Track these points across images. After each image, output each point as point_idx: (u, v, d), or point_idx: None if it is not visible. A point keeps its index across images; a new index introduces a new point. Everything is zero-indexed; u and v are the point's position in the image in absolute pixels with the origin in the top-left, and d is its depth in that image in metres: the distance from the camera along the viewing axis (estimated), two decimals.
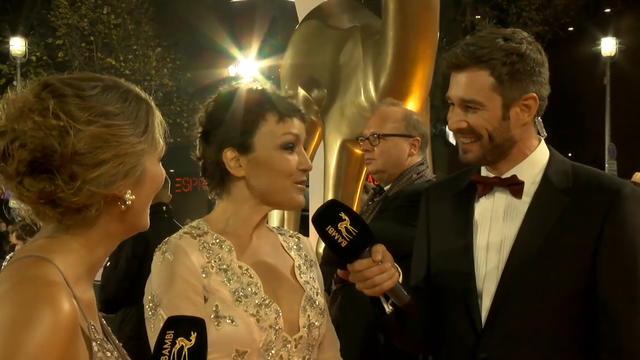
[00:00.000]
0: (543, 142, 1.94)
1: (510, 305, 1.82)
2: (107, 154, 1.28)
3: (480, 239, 1.89)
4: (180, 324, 1.30)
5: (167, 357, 1.26)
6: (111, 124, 1.29)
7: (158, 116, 1.42)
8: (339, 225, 1.68)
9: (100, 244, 1.35)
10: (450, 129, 1.93)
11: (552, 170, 1.88)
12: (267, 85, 1.93)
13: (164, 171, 1.42)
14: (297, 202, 1.89)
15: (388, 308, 1.79)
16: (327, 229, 1.68)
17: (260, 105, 1.84)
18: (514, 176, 1.88)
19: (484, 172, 1.95)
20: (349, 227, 1.68)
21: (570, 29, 23.54)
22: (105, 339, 1.32)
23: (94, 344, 1.26)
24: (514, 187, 1.88)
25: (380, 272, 1.71)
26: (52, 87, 1.29)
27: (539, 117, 1.91)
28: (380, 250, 1.73)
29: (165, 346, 1.27)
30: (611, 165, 21.40)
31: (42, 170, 1.25)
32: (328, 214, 1.70)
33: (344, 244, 1.68)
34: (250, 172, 1.83)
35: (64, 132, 1.25)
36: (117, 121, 1.30)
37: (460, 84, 1.86)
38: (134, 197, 1.33)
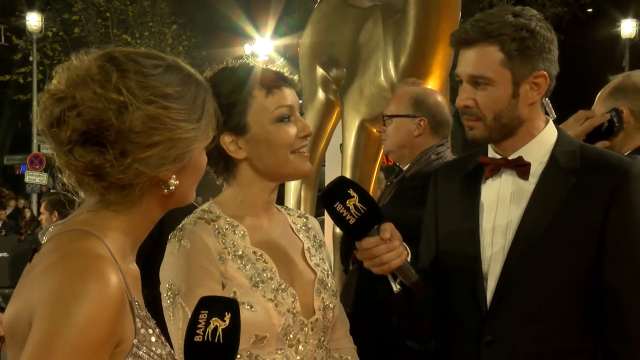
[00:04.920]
0: (551, 122, 1.91)
1: (515, 288, 1.81)
2: (161, 136, 1.26)
3: (487, 221, 1.88)
4: (214, 304, 1.30)
5: (201, 336, 1.26)
6: (169, 106, 1.28)
7: (214, 104, 1.40)
8: (347, 202, 1.66)
9: (141, 223, 1.35)
10: (457, 106, 1.91)
11: (559, 151, 1.86)
12: (265, 61, 1.91)
13: (206, 160, 1.42)
14: (304, 170, 1.88)
15: (396, 287, 1.78)
16: (335, 206, 1.66)
17: (246, 83, 1.82)
18: (521, 157, 1.86)
19: (491, 153, 1.93)
20: (358, 204, 1.66)
21: (590, 10, 23.25)
22: (146, 315, 1.32)
23: (137, 319, 1.26)
24: (521, 168, 1.86)
25: (388, 250, 1.69)
26: (117, 60, 1.28)
27: (547, 99, 1.90)
28: (388, 229, 1.71)
29: (199, 326, 1.27)
30: None
31: (94, 142, 1.24)
32: (336, 191, 1.68)
33: (352, 221, 1.66)
34: (251, 152, 1.82)
35: (123, 107, 1.24)
36: (176, 104, 1.29)
37: (470, 60, 1.84)
38: (177, 182, 1.33)
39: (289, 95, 1.84)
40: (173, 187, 1.32)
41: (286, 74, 1.88)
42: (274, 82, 1.83)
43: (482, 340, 1.82)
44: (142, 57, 1.31)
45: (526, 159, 1.86)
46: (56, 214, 5.11)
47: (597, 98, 2.60)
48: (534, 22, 1.81)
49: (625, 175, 1.78)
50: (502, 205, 1.87)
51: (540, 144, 1.87)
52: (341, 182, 1.70)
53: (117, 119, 1.23)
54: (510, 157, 1.88)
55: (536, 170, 1.85)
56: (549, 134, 1.89)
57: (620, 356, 1.78)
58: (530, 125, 1.87)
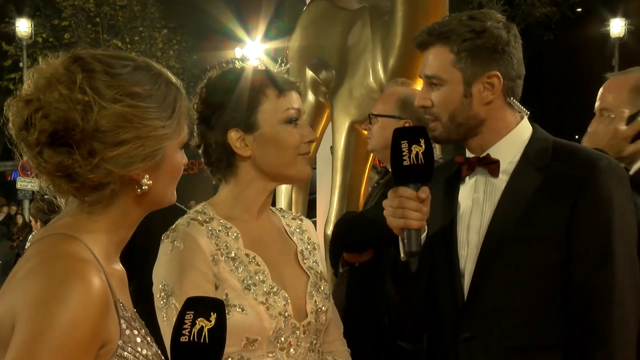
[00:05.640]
0: (525, 120, 1.93)
1: (488, 285, 1.83)
2: (129, 135, 1.27)
3: (463, 220, 1.91)
4: (200, 305, 1.31)
5: (187, 337, 1.27)
6: (137, 104, 1.28)
7: (186, 103, 1.41)
8: (413, 147, 1.71)
9: (122, 224, 1.36)
10: (416, 106, 1.96)
11: (532, 148, 1.88)
12: (262, 64, 1.93)
13: (185, 159, 1.41)
14: (307, 173, 1.90)
15: (403, 254, 1.80)
16: (402, 142, 1.71)
17: (259, 82, 1.84)
18: (489, 155, 1.89)
19: (467, 153, 1.96)
20: (420, 154, 1.70)
21: (579, 9, 23.35)
22: (132, 316, 1.33)
23: (122, 321, 1.27)
24: (491, 166, 1.88)
25: (415, 209, 1.73)
26: (83, 61, 1.29)
27: (513, 99, 1.90)
28: (427, 193, 1.75)
29: (185, 326, 1.28)
30: None
31: (62, 143, 1.25)
32: (412, 133, 1.74)
33: (405, 163, 1.71)
34: (257, 150, 1.83)
35: (87, 107, 1.25)
36: (144, 103, 1.30)
37: (426, 62, 1.90)
38: (151, 182, 1.33)
39: (297, 99, 1.87)
40: (146, 187, 1.33)
41: (293, 80, 1.92)
42: (285, 84, 1.86)
43: (460, 337, 1.84)
44: (110, 57, 1.32)
45: (496, 156, 1.88)
46: (39, 221, 5.12)
47: (610, 97, 2.50)
48: (488, 23, 1.84)
49: (592, 169, 1.80)
50: (476, 203, 1.90)
51: (512, 142, 1.89)
52: (421, 129, 1.75)
53: (82, 119, 1.24)
54: (481, 156, 1.91)
55: (508, 167, 1.88)
56: (522, 132, 1.91)
57: (589, 350, 1.78)
58: (496, 124, 1.89)
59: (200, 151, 1.89)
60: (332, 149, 4.46)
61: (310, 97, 4.72)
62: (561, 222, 1.78)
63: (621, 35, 22.82)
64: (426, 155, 1.71)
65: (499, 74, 1.84)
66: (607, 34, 23.11)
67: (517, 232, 1.81)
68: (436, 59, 1.86)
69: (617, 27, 22.90)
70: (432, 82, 1.88)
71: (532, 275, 1.80)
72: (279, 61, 1.99)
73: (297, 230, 1.99)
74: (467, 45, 1.82)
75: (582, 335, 1.79)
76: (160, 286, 1.76)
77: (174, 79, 1.40)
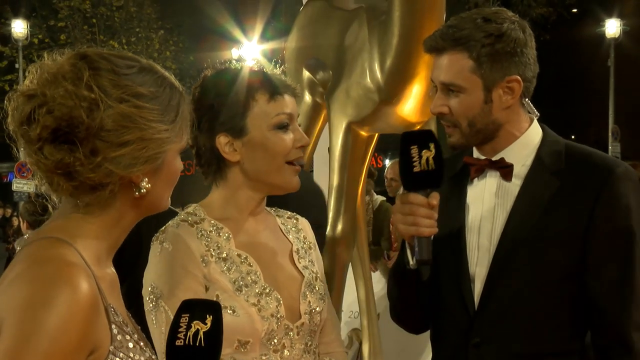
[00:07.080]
0: (535, 122, 1.90)
1: (501, 290, 1.80)
2: (132, 135, 1.25)
3: (472, 222, 1.87)
4: (195, 307, 1.29)
5: (182, 340, 1.25)
6: (142, 105, 1.27)
7: (189, 108, 1.39)
8: (423, 152, 1.67)
9: (115, 227, 1.34)
10: (432, 112, 1.91)
11: (544, 151, 1.85)
12: (258, 65, 1.89)
13: (181, 166, 1.39)
14: (293, 184, 1.84)
15: (412, 261, 1.77)
16: (411, 147, 1.67)
17: (249, 86, 1.79)
18: (503, 159, 1.86)
19: (476, 153, 1.92)
20: (431, 159, 1.66)
21: (575, 10, 23.41)
22: (124, 321, 1.31)
23: (113, 326, 1.25)
24: (504, 169, 1.85)
25: (426, 216, 1.70)
26: (89, 58, 1.28)
27: (527, 99, 1.87)
28: (437, 198, 1.71)
29: (180, 329, 1.25)
30: (614, 147, 21.35)
31: (64, 140, 1.23)
32: (421, 137, 1.69)
33: (416, 170, 1.67)
34: (245, 156, 1.79)
35: (93, 104, 1.23)
36: (149, 104, 1.28)
37: (441, 67, 1.83)
38: (149, 186, 1.31)
39: (290, 103, 1.82)
40: (145, 190, 1.31)
41: (289, 82, 1.86)
42: (278, 88, 1.81)
43: (470, 342, 1.82)
44: (116, 57, 1.30)
45: (509, 160, 1.85)
46: (25, 222, 5.11)
47: None
48: (505, 26, 1.79)
49: (609, 176, 1.77)
50: (487, 206, 1.86)
51: (524, 145, 1.86)
52: (429, 133, 1.71)
53: (88, 117, 1.22)
54: (493, 159, 1.87)
55: (520, 171, 1.85)
56: (533, 134, 1.88)
57: (611, 355, 1.77)
58: (511, 127, 1.85)
59: (193, 152, 1.87)
60: (330, 150, 4.46)
61: (307, 97, 4.71)
62: (578, 228, 1.76)
63: (616, 36, 22.91)
64: (436, 160, 1.67)
65: (519, 77, 1.80)
66: (603, 34, 23.20)
67: (534, 238, 1.78)
68: (453, 65, 1.81)
69: (612, 27, 22.99)
70: (449, 89, 1.83)
71: (546, 281, 1.78)
72: (274, 62, 1.95)
73: (293, 229, 1.96)
74: (487, 50, 1.77)
75: (604, 341, 1.78)
76: (149, 289, 1.74)
77: (177, 83, 1.38)
